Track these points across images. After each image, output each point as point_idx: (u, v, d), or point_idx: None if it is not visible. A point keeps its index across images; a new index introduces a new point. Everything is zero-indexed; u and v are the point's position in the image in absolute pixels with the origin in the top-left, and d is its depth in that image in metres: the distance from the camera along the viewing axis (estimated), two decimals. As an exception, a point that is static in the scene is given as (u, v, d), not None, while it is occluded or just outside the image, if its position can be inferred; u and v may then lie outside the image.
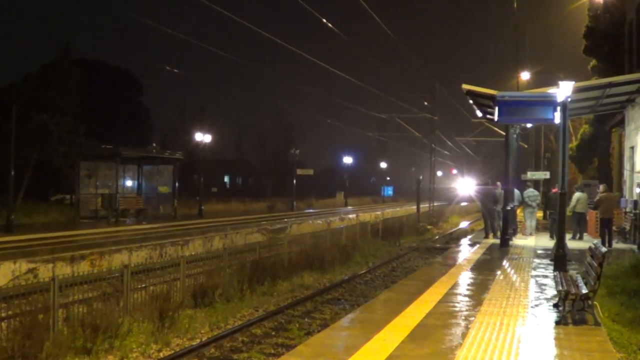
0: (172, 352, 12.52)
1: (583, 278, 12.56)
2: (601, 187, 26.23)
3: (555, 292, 12.86)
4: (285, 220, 42.68)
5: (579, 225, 26.98)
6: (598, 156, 45.40)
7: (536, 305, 12.51)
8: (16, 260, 20.46)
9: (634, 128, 27.98)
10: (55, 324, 11.94)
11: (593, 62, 40.53)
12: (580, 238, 26.24)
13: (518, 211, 33.24)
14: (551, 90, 19.89)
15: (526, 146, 57.15)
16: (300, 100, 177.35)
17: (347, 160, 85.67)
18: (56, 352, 10.97)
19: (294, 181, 65.50)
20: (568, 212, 26.71)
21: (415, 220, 44.57)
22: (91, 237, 27.84)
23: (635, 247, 23.34)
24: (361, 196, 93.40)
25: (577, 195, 26.49)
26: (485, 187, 28.26)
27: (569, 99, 17.88)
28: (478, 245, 24.50)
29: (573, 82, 17.95)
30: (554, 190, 27.47)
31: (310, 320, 15.77)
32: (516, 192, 28.05)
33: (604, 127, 40.05)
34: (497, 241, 24.72)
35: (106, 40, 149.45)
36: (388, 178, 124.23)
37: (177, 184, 44.84)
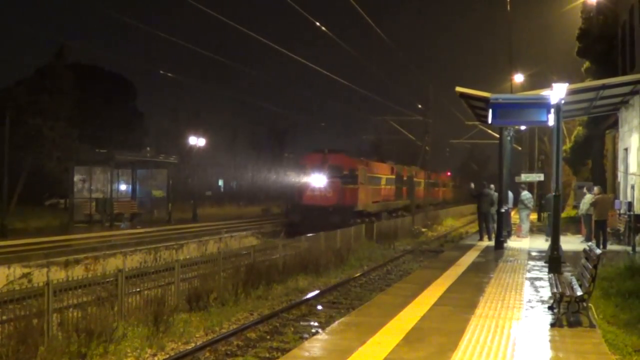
0: (167, 356, 12.49)
1: (578, 280, 12.57)
2: (596, 189, 26.21)
3: (550, 294, 12.86)
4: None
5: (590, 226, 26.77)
6: (592, 158, 45.44)
7: (531, 308, 12.52)
8: (10, 265, 20.43)
9: (628, 130, 28.05)
10: (49, 328, 11.90)
11: (586, 64, 40.61)
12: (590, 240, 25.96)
13: (512, 213, 33.29)
14: (545, 93, 19.93)
15: (520, 148, 57.21)
16: (294, 102, 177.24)
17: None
18: (50, 357, 10.93)
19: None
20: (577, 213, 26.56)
21: (410, 223, 44.55)
22: (85, 242, 27.81)
23: (629, 248, 23.35)
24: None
25: (588, 196, 26.37)
26: (482, 189, 28.16)
27: (563, 101, 17.93)
28: (473, 248, 24.50)
29: (567, 84, 18.02)
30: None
31: (305, 323, 15.75)
32: (510, 194, 28.11)
33: (598, 129, 40.14)
34: (492, 243, 24.74)
35: (100, 44, 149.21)
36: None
37: (171, 188, 44.80)
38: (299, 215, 38.19)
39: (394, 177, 51.83)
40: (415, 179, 58.77)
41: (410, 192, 55.28)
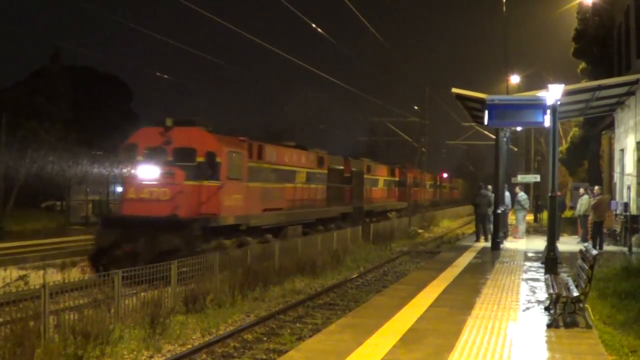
0: (164, 358, 12.48)
1: (574, 281, 12.59)
2: (596, 189, 26.29)
3: (546, 295, 12.87)
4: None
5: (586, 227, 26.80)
6: (588, 159, 45.57)
7: (527, 309, 12.53)
8: (6, 267, 20.41)
9: (624, 130, 28.09)
10: (46, 331, 11.89)
11: (582, 64, 40.66)
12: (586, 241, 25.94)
13: (509, 214, 33.32)
14: (541, 94, 19.96)
15: (516, 149, 57.30)
16: (289, 103, 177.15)
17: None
18: (47, 359, 10.92)
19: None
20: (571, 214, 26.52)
21: (407, 224, 44.54)
22: (82, 244, 27.75)
23: (626, 249, 23.39)
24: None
25: (586, 197, 26.43)
26: (479, 190, 28.17)
27: (559, 102, 17.95)
28: (469, 249, 24.52)
29: (563, 85, 18.04)
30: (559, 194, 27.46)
31: (302, 325, 15.73)
32: (507, 195, 28.16)
33: (594, 129, 40.22)
34: (488, 245, 24.76)
35: (95, 47, 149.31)
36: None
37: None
38: (112, 235, 21.81)
39: (324, 171, 35.57)
40: (368, 176, 45.76)
41: (357, 193, 41.85)
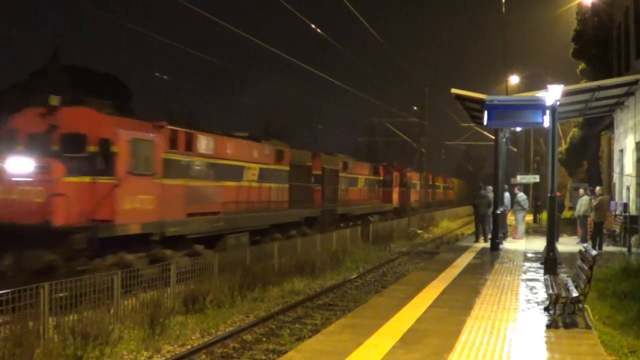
0: (163, 358, 12.47)
1: (573, 281, 12.58)
2: (598, 189, 26.29)
3: (545, 296, 12.88)
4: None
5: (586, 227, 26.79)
6: (587, 159, 45.61)
7: (527, 309, 12.53)
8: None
9: (623, 131, 28.10)
10: (45, 331, 11.88)
11: (582, 65, 40.71)
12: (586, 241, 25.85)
13: (509, 214, 33.32)
14: (540, 94, 19.95)
15: (515, 150, 57.31)
16: (288, 104, 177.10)
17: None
18: (47, 359, 10.91)
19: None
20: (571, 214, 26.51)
21: (406, 225, 44.50)
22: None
23: (625, 249, 23.40)
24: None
25: (585, 198, 26.45)
26: (479, 191, 28.15)
27: (558, 103, 17.95)
28: (468, 250, 24.51)
29: (562, 86, 18.04)
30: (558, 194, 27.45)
31: (301, 325, 15.73)
32: (506, 195, 28.16)
33: (593, 130, 40.24)
34: (488, 245, 24.75)
35: (95, 47, 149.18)
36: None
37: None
38: None
39: (285, 168, 30.25)
40: (345, 175, 40.96)
41: (329, 194, 37.23)
